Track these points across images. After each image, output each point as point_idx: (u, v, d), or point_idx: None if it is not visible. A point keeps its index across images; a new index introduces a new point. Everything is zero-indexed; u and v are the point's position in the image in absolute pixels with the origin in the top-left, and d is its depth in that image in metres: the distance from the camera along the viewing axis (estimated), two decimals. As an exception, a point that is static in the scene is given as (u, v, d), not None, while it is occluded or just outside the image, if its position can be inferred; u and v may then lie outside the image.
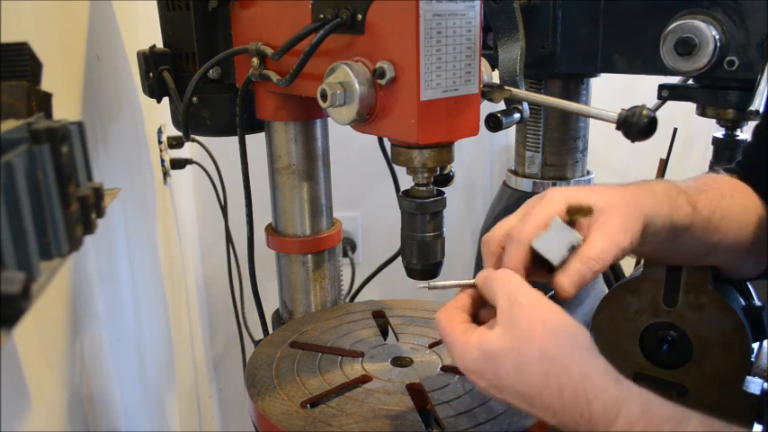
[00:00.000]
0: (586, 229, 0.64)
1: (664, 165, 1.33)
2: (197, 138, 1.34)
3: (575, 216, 0.64)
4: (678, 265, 0.88)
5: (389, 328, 0.92)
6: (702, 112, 1.17)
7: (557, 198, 0.66)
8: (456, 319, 0.65)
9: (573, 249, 0.62)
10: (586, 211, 0.64)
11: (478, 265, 1.55)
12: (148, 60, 0.94)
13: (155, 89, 0.94)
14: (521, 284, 0.61)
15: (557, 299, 0.87)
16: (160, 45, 0.96)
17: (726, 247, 0.78)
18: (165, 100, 0.97)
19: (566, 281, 0.62)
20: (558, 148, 1.37)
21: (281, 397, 0.75)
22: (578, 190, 0.67)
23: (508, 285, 0.61)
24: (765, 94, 0.95)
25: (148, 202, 1.30)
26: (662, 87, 1.18)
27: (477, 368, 0.59)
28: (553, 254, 0.62)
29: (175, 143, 1.42)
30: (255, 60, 0.83)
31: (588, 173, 1.43)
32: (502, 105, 0.85)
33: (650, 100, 1.17)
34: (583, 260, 0.62)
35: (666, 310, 0.91)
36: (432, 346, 0.86)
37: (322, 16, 0.72)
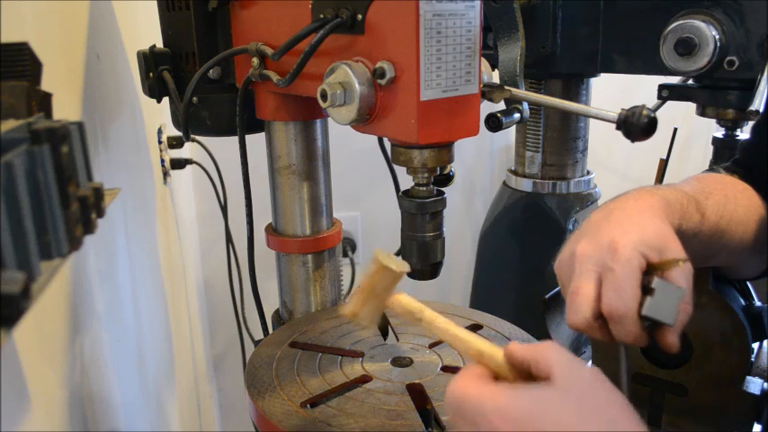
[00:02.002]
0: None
1: (664, 165, 1.33)
2: (197, 138, 1.34)
3: (667, 270, 0.62)
4: None
5: (389, 328, 0.92)
6: (702, 112, 1.17)
7: (631, 251, 0.62)
8: (480, 377, 0.56)
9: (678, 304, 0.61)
10: (679, 262, 0.61)
11: (478, 266, 1.55)
12: (148, 60, 0.94)
13: (155, 89, 0.94)
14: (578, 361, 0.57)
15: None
16: (160, 45, 0.96)
17: (730, 249, 0.78)
18: (165, 100, 0.97)
19: (675, 339, 0.62)
20: (558, 148, 1.37)
21: (281, 397, 0.75)
22: (639, 231, 0.64)
23: (566, 355, 0.55)
24: (765, 94, 0.95)
25: (148, 202, 1.30)
26: (662, 87, 1.18)
27: (524, 414, 0.49)
28: (668, 317, 0.60)
29: (175, 143, 1.42)
30: (255, 60, 0.83)
31: (588, 173, 1.43)
32: (502, 105, 0.85)
33: (650, 100, 1.17)
34: (686, 310, 0.62)
35: (666, 310, 0.91)
36: (432, 346, 0.86)
37: (322, 16, 0.72)
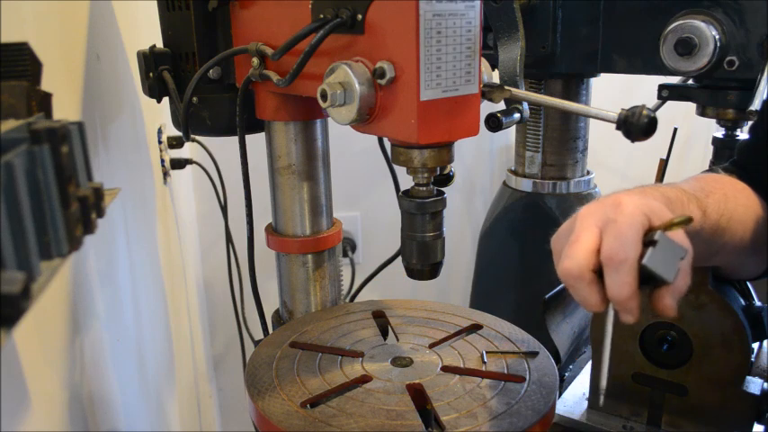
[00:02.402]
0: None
1: (664, 165, 1.33)
2: (197, 138, 1.34)
3: (675, 227, 0.59)
4: None
5: (389, 328, 0.92)
6: (702, 112, 1.17)
7: (635, 208, 0.60)
8: None
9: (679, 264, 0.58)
10: (687, 220, 0.59)
11: (478, 266, 1.55)
12: (148, 60, 0.94)
13: (155, 89, 0.94)
14: None
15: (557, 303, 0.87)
16: (160, 45, 0.96)
17: (730, 249, 0.78)
18: (165, 100, 0.97)
19: (673, 301, 0.58)
20: (558, 148, 1.37)
21: (281, 397, 0.75)
22: (643, 197, 0.63)
23: None
24: (765, 94, 0.95)
25: (148, 202, 1.30)
26: (662, 87, 1.18)
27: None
28: (668, 272, 0.57)
29: (175, 143, 1.42)
30: (255, 60, 0.83)
31: (588, 173, 1.43)
32: (502, 105, 0.85)
33: (650, 100, 1.17)
34: (686, 273, 0.59)
35: (666, 310, 0.91)
36: (432, 346, 0.86)
37: (322, 16, 0.72)
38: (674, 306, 0.58)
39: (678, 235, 0.60)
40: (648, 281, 0.58)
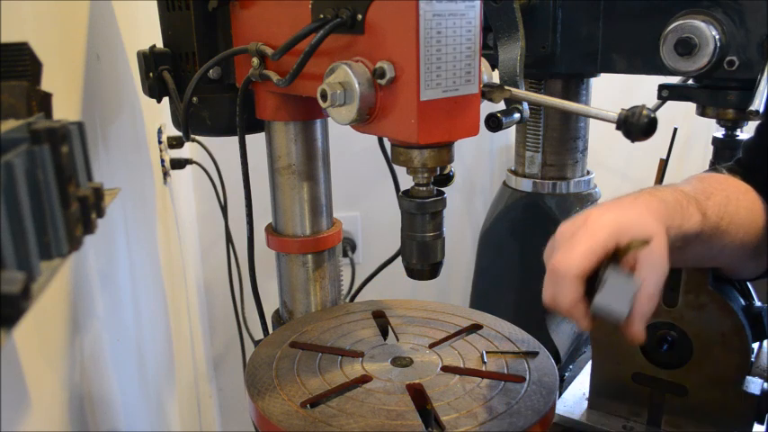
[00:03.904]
0: (633, 260, 0.62)
1: (664, 165, 1.33)
2: (197, 138, 1.34)
3: (631, 251, 0.61)
4: (689, 267, 0.88)
5: (389, 328, 0.92)
6: (702, 112, 1.17)
7: (601, 224, 0.62)
8: None
9: (634, 297, 0.59)
10: (643, 244, 0.60)
11: (479, 266, 1.55)
12: (148, 60, 0.94)
13: (155, 89, 0.94)
14: None
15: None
16: (160, 45, 0.96)
17: (731, 251, 0.78)
18: (165, 100, 0.97)
19: (638, 328, 0.60)
20: (558, 148, 1.37)
21: (281, 397, 0.75)
22: (618, 212, 0.64)
23: None
24: (765, 94, 0.95)
25: (148, 202, 1.30)
26: (662, 87, 1.18)
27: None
28: (621, 307, 0.58)
29: (175, 143, 1.42)
30: (255, 60, 0.83)
31: (588, 173, 1.43)
32: (502, 105, 0.85)
33: (650, 100, 1.17)
34: (645, 302, 0.60)
35: (666, 309, 0.91)
36: (432, 346, 0.86)
37: (322, 16, 0.72)
38: (640, 332, 0.60)
39: (641, 260, 0.61)
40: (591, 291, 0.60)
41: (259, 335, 1.04)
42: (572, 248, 0.61)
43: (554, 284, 0.62)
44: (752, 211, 0.79)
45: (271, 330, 1.01)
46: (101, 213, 0.51)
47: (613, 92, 1.49)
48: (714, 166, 1.17)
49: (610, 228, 0.62)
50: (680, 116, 1.41)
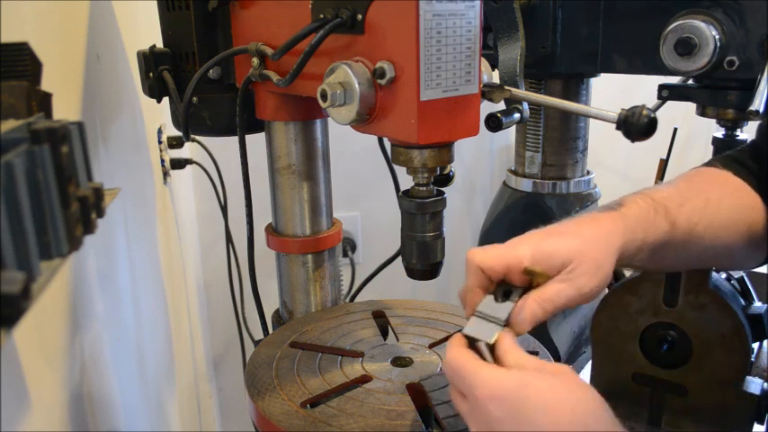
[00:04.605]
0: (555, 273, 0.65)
1: (664, 165, 1.33)
2: (197, 138, 1.34)
3: (531, 278, 0.66)
4: (672, 271, 0.88)
5: (389, 328, 0.92)
6: (702, 112, 1.17)
7: (522, 248, 0.67)
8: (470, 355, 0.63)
9: (507, 320, 0.64)
10: (543, 277, 0.65)
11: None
12: (148, 60, 0.94)
13: (155, 89, 0.94)
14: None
15: None
16: (160, 45, 0.96)
17: (717, 252, 0.77)
18: (165, 100, 0.97)
19: (509, 346, 0.63)
20: (557, 148, 1.37)
21: (281, 397, 0.75)
22: (546, 238, 0.68)
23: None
24: (765, 94, 0.95)
25: (148, 202, 1.30)
26: (662, 87, 1.18)
27: (507, 394, 0.57)
28: (485, 340, 0.63)
29: (175, 143, 1.42)
30: (255, 60, 0.83)
31: (588, 173, 1.43)
32: (502, 105, 0.85)
33: (650, 100, 1.17)
34: (537, 301, 0.64)
35: (666, 310, 0.91)
36: (432, 346, 0.86)
37: (322, 16, 0.72)
38: (521, 326, 0.64)
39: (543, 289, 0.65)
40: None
41: (259, 335, 1.04)
42: (492, 248, 0.67)
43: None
44: (738, 210, 0.78)
45: (271, 330, 1.01)
46: (101, 213, 0.51)
47: (613, 92, 1.49)
48: (712, 161, 1.17)
49: (529, 251, 0.67)
50: (680, 116, 1.41)
